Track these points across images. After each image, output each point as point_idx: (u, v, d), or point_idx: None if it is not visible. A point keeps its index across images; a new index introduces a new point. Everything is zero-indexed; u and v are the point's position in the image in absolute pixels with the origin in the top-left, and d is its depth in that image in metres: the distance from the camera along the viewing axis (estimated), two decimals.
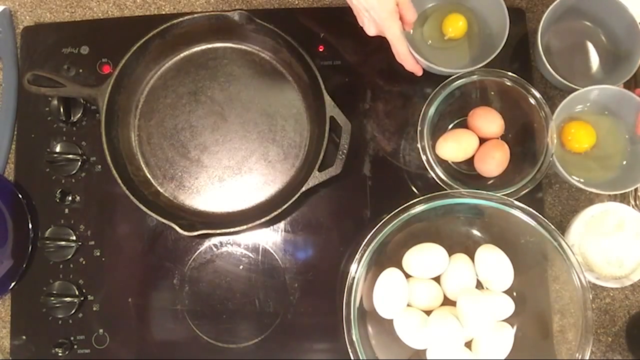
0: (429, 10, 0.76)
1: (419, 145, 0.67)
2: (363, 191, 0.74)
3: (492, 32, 0.73)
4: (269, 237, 0.73)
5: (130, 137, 0.74)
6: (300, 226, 0.73)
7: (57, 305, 0.70)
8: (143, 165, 0.74)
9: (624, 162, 0.72)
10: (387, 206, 0.62)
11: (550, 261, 0.63)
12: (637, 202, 0.73)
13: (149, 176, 0.74)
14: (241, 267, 0.73)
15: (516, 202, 0.61)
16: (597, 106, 0.72)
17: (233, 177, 0.74)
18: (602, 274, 0.68)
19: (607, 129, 0.72)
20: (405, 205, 0.61)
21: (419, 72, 0.70)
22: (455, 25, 0.73)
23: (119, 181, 0.69)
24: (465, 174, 0.72)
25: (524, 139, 0.70)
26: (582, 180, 0.69)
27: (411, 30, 0.74)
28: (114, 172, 0.69)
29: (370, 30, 0.66)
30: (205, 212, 0.73)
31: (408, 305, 0.65)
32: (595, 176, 0.71)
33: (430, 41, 0.75)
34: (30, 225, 0.72)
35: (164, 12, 0.80)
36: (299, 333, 0.71)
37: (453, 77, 0.67)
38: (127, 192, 0.68)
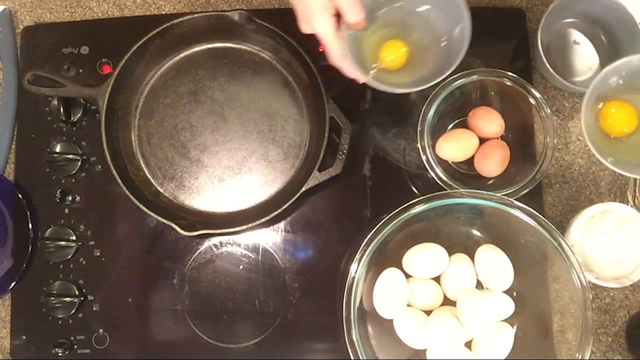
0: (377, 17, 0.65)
1: (419, 145, 0.67)
2: (363, 191, 0.74)
3: (453, 39, 0.63)
4: (269, 237, 0.73)
5: (130, 137, 0.74)
6: (300, 226, 0.73)
7: (57, 305, 0.70)
8: (143, 165, 0.74)
9: None
10: (387, 206, 0.62)
11: (550, 261, 0.63)
12: (637, 202, 0.73)
13: (149, 176, 0.74)
14: (241, 267, 0.73)
15: (516, 202, 0.61)
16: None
17: (233, 177, 0.74)
18: (602, 274, 0.68)
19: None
20: (405, 205, 0.61)
21: (360, 80, 0.61)
22: (394, 55, 0.65)
23: (119, 181, 0.68)
24: (465, 174, 0.72)
25: (524, 139, 0.70)
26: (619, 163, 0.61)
27: (364, 32, 0.64)
28: (114, 172, 0.69)
29: (303, 27, 0.58)
30: (205, 212, 0.73)
31: (408, 305, 0.65)
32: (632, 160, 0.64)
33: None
34: (30, 225, 0.72)
35: (164, 12, 0.80)
36: (299, 333, 0.71)
37: (453, 77, 0.67)
38: (127, 192, 0.68)
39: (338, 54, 0.59)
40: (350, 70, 0.60)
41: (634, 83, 0.63)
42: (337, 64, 0.60)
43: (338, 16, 0.57)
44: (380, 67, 0.64)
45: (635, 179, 0.73)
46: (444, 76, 0.61)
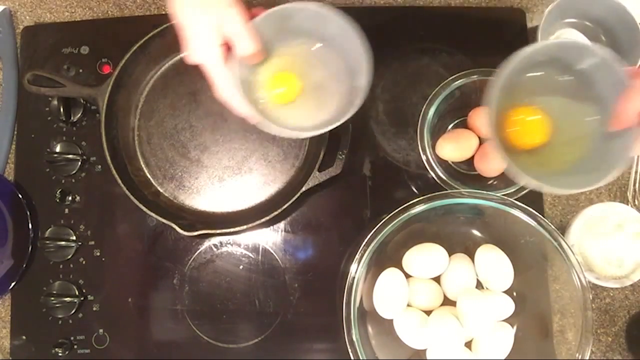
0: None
1: (419, 145, 0.67)
2: (363, 191, 0.74)
3: (353, 81, 0.56)
4: (269, 237, 0.73)
5: (130, 137, 0.74)
6: (300, 226, 0.73)
7: (57, 305, 0.70)
8: (143, 165, 0.74)
9: (589, 152, 0.54)
10: (387, 206, 0.62)
11: (550, 261, 0.63)
12: (637, 202, 0.73)
13: (149, 176, 0.74)
14: (241, 267, 0.73)
15: (516, 202, 0.61)
16: (553, 75, 0.55)
17: (233, 177, 0.74)
18: (602, 274, 0.68)
19: (568, 110, 0.55)
20: (405, 205, 0.61)
21: (252, 121, 0.54)
22: (286, 86, 0.57)
23: (119, 181, 0.68)
24: (465, 174, 0.72)
25: None
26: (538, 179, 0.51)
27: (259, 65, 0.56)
28: (114, 172, 0.69)
29: (187, 56, 0.52)
30: (205, 212, 0.73)
31: (408, 305, 0.65)
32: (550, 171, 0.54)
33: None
34: (30, 225, 0.72)
35: (164, 12, 0.79)
36: (299, 333, 0.71)
37: (453, 77, 0.67)
38: (127, 192, 0.68)
39: (225, 90, 0.53)
40: (240, 108, 0.54)
41: (548, 79, 0.55)
42: (225, 100, 0.54)
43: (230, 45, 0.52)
44: (267, 100, 0.56)
45: (635, 179, 0.73)
46: (341, 122, 0.54)
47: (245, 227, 0.68)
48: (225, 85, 0.53)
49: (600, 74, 0.52)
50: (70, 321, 0.71)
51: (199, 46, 0.51)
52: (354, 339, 0.60)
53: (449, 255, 0.66)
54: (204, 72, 0.53)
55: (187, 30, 0.51)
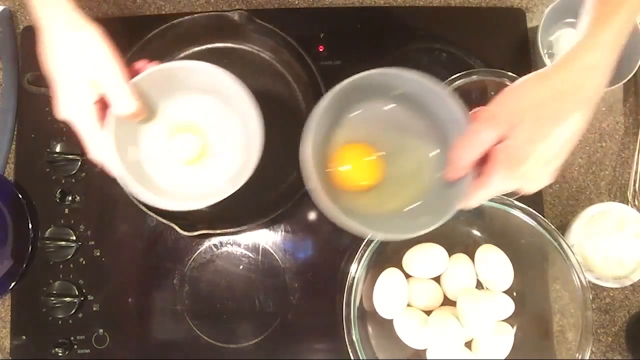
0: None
1: None
2: None
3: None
4: (269, 237, 0.73)
5: None
6: (300, 226, 0.73)
7: (57, 305, 0.70)
8: None
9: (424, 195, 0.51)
10: None
11: (550, 261, 0.63)
12: (637, 202, 0.73)
13: None
14: (241, 267, 0.73)
15: (516, 202, 0.61)
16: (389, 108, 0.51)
17: None
18: (602, 274, 0.68)
19: (411, 150, 0.51)
20: None
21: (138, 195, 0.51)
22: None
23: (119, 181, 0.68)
24: None
25: None
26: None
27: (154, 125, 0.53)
28: None
29: (57, 111, 0.48)
30: (206, 212, 0.73)
31: (408, 305, 0.65)
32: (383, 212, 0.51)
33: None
34: (30, 225, 0.72)
35: (164, 12, 0.79)
36: (299, 333, 0.71)
37: (453, 77, 0.67)
38: (127, 192, 0.68)
39: (97, 151, 0.49)
40: (114, 171, 0.50)
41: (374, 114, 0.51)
42: (97, 162, 0.50)
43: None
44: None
45: (635, 179, 0.73)
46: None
47: (245, 227, 0.68)
48: (97, 146, 0.48)
49: (444, 113, 0.49)
50: (70, 321, 0.71)
51: (69, 103, 0.47)
52: (354, 339, 0.60)
53: (449, 255, 0.66)
54: (74, 130, 0.48)
55: (57, 85, 0.47)
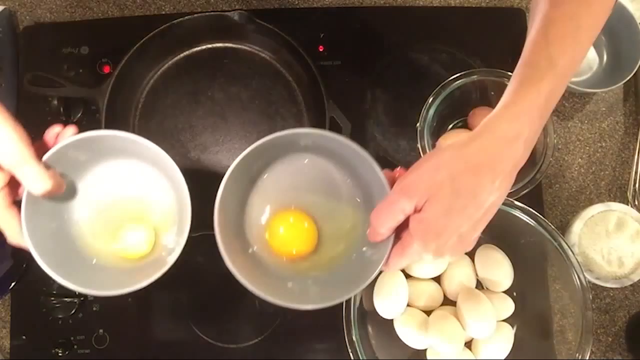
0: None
1: (419, 145, 0.67)
2: None
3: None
4: None
5: None
6: None
7: (57, 305, 0.70)
8: None
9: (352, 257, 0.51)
10: None
11: (550, 261, 0.63)
12: (637, 202, 0.73)
13: None
14: None
15: (516, 202, 0.61)
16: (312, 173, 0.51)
17: None
18: (602, 274, 0.68)
19: (339, 213, 0.52)
20: None
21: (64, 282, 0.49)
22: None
23: None
24: None
25: None
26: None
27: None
28: None
29: None
30: (206, 213, 0.73)
31: (408, 305, 0.65)
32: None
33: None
34: None
35: (164, 12, 0.80)
36: (299, 333, 0.71)
37: (453, 77, 0.67)
38: None
39: (13, 235, 0.46)
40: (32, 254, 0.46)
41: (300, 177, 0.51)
42: (17, 246, 0.46)
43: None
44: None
45: (635, 179, 0.73)
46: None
47: None
48: (12, 231, 0.45)
49: (369, 175, 0.48)
50: (70, 321, 0.71)
51: None
52: (354, 339, 0.60)
53: None
54: None
55: None
